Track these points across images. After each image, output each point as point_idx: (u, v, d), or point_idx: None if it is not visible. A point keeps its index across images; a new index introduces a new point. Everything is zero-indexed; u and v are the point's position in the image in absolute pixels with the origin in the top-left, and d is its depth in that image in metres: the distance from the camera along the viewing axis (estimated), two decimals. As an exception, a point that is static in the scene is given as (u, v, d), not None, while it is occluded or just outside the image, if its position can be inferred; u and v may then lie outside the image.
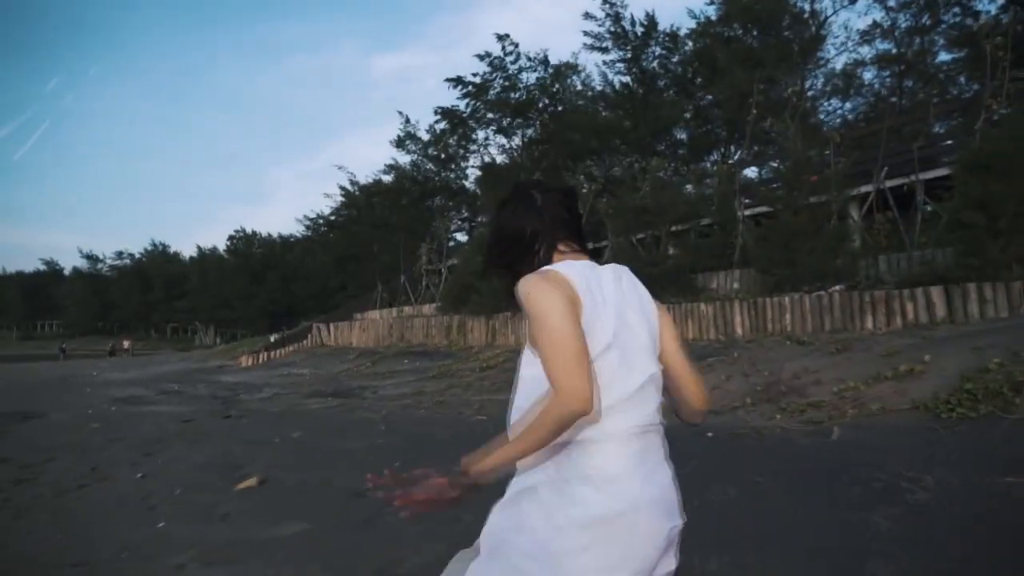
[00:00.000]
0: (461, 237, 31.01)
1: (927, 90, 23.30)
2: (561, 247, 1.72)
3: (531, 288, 1.54)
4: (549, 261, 1.69)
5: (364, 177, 38.25)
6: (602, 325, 1.56)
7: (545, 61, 25.77)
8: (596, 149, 24.62)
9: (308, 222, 48.81)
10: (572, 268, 1.62)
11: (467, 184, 31.44)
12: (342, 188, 37.32)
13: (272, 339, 27.12)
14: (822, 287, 10.03)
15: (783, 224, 11.13)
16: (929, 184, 12.17)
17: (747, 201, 14.54)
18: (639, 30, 26.53)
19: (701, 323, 10.76)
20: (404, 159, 32.85)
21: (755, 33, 24.63)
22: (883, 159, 12.97)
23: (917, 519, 3.95)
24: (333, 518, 4.99)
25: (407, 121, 30.96)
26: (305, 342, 23.93)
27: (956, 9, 24.13)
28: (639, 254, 14.46)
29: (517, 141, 26.91)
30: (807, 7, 23.14)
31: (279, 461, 7.08)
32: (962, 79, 24.78)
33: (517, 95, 25.23)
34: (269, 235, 60.89)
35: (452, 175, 31.95)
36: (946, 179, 11.29)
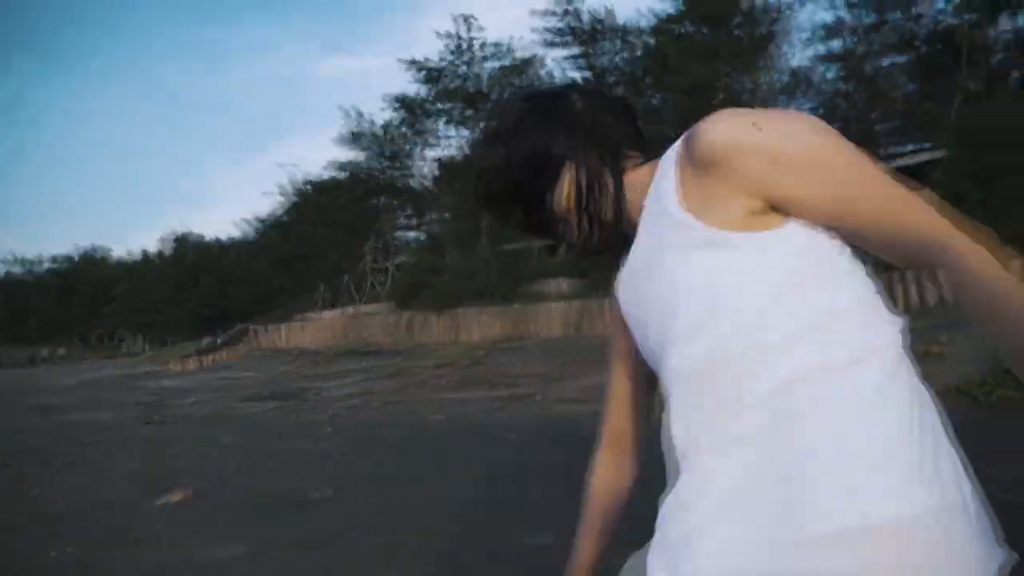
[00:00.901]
0: (411, 234, 30.09)
1: (869, 89, 23.61)
2: (631, 154, 1.01)
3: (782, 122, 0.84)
4: (620, 172, 0.99)
5: (306, 175, 36.77)
6: None
7: (508, 51, 25.07)
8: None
9: (246, 223, 46.93)
10: None
11: (412, 183, 30.53)
12: (280, 187, 35.82)
13: (204, 343, 25.72)
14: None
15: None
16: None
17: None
18: (589, 26, 26.17)
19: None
20: (347, 156, 31.76)
21: (704, 31, 24.55)
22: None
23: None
24: (274, 536, 4.11)
25: (348, 116, 29.89)
26: (242, 345, 22.67)
27: (898, 14, 24.57)
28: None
29: (473, 134, 26.10)
30: (759, 3, 23.16)
31: (210, 470, 6.14)
32: (902, 81, 25.31)
33: (476, 84, 24.43)
34: (203, 237, 58.39)
35: (398, 173, 30.95)
36: (910, 168, 11.13)
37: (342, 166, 32.12)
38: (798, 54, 25.24)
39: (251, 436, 7.89)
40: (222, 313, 42.49)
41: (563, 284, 15.88)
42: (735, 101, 17.67)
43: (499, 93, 24.67)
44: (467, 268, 17.63)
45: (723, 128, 0.83)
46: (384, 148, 29.34)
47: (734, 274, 0.84)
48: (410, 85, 25.61)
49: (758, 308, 0.83)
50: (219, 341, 24.61)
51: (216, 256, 52.29)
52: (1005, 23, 17.36)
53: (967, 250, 0.77)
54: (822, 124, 0.84)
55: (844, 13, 23.65)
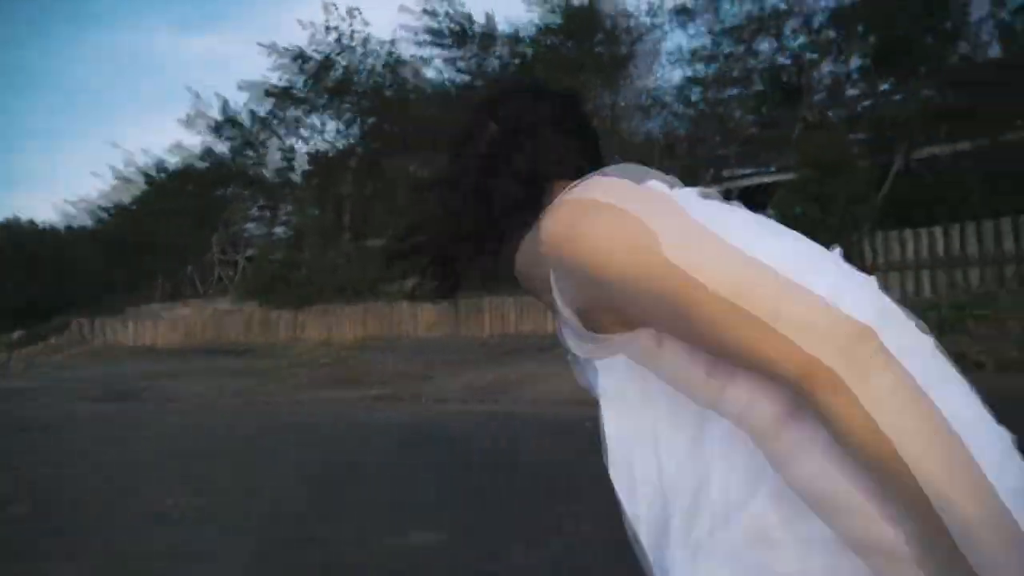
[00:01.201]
0: (276, 228, 28.51)
1: (716, 115, 25.56)
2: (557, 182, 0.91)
3: (584, 215, 0.73)
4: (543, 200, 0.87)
5: (148, 158, 33.67)
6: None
7: (393, 46, 24.46)
8: (421, 142, 23.85)
9: (70, 206, 42.31)
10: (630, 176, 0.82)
11: (266, 173, 29.06)
12: (115, 170, 32.59)
13: (16, 337, 22.96)
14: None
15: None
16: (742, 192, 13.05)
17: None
18: (458, 28, 26.19)
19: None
20: (195, 141, 29.57)
21: (570, 44, 25.42)
22: (681, 172, 13.78)
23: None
24: (125, 551, 3.67)
25: (198, 98, 27.88)
26: (64, 340, 20.48)
27: (741, 48, 26.76)
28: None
29: (340, 126, 25.14)
30: (628, 23, 24.33)
31: (43, 481, 5.42)
32: (739, 112, 27.59)
33: (349, 75, 23.58)
34: (18, 220, 51.89)
35: (251, 162, 29.29)
36: (755, 188, 12.16)
37: (190, 152, 29.95)
38: (659, 76, 26.71)
39: (90, 441, 7.06)
40: (37, 305, 38.01)
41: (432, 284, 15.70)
42: (598, 116, 18.40)
43: (375, 88, 24.11)
44: (328, 263, 17.00)
45: (547, 238, 0.74)
46: (240, 135, 27.67)
47: (626, 383, 0.77)
48: (269, 72, 24.31)
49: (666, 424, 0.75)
50: (36, 336, 22.12)
51: (32, 241, 46.85)
52: (827, 67, 19.83)
53: (833, 397, 0.61)
54: (670, 204, 0.74)
55: (701, 42, 25.47)
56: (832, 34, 19.15)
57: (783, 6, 20.59)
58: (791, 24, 20.58)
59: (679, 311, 0.66)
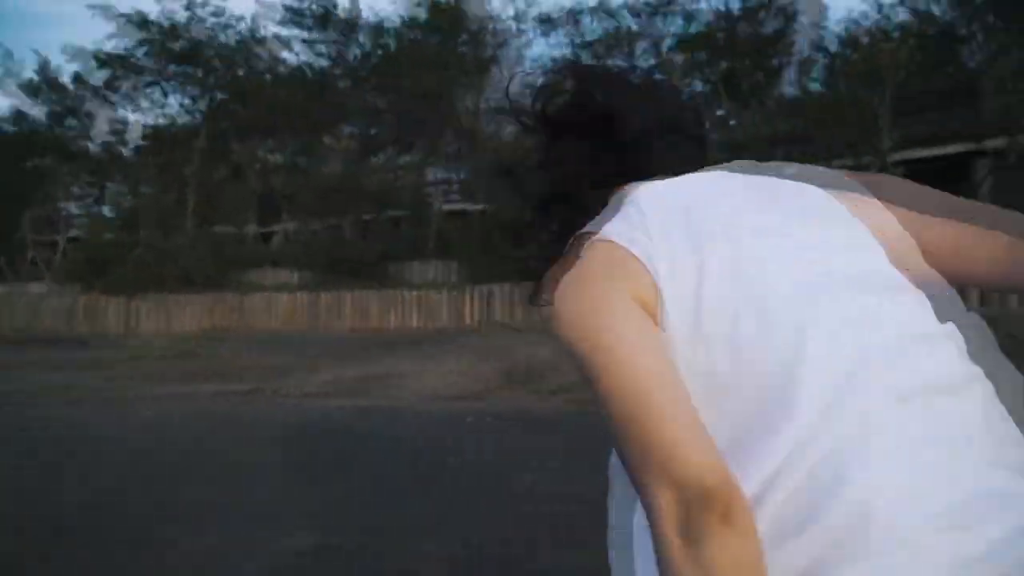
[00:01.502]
0: (100, 208, 25.74)
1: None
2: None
3: (561, 301, 0.72)
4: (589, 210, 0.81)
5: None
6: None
7: (254, 23, 22.93)
8: (275, 126, 22.65)
9: None
10: (633, 216, 0.73)
11: (92, 147, 26.28)
12: None
13: None
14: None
15: (488, 217, 11.40)
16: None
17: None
18: (313, 7, 25.26)
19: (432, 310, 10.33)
20: (1, 103, 26.10)
21: (434, 41, 25.38)
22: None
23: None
24: None
25: (10, 55, 24.69)
26: None
27: (620, 60, 28.12)
28: (319, 241, 13.64)
29: (186, 101, 23.23)
30: (491, 27, 24.63)
31: None
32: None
33: (196, 47, 21.80)
34: None
35: (73, 132, 26.34)
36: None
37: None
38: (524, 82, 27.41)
39: None
40: None
41: (282, 274, 15.00)
42: (456, 116, 18.53)
43: (226, 64, 22.55)
44: (169, 249, 15.67)
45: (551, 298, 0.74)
46: (61, 101, 24.76)
47: None
48: (103, 38, 22.06)
49: None
50: None
51: None
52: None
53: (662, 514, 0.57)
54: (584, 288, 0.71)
55: (562, 52, 26.37)
56: (677, 59, 20.74)
57: (635, 27, 21.98)
58: (642, 45, 22.05)
59: (600, 399, 0.66)
